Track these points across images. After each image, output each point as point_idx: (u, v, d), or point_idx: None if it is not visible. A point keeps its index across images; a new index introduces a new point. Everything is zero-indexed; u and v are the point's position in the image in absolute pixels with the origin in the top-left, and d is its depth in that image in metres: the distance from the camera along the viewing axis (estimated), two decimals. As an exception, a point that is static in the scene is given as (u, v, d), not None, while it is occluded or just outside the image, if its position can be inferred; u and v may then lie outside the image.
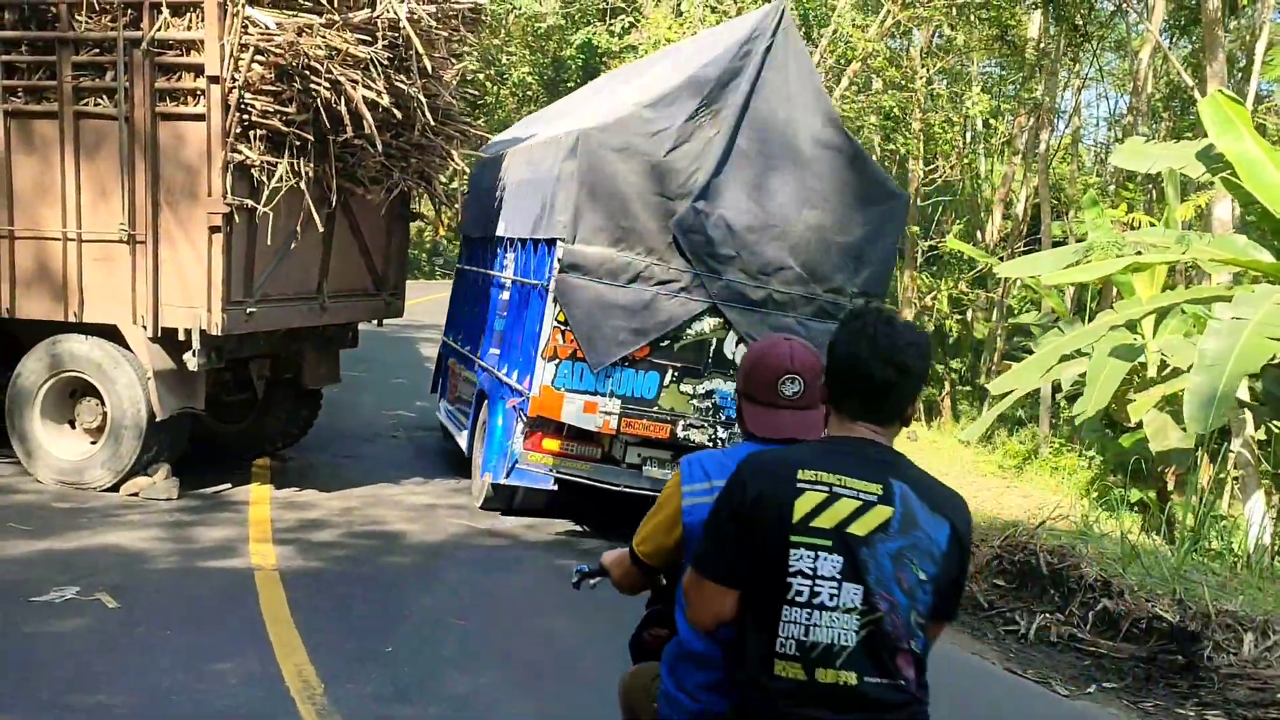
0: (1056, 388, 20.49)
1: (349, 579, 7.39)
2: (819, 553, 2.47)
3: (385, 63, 8.42)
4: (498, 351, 9.85)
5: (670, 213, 8.32)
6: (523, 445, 8.62)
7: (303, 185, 8.39)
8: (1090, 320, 17.22)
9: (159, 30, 8.14)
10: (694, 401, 8.54)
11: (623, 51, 22.35)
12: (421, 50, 8.63)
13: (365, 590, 7.19)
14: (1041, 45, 27.64)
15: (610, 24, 23.21)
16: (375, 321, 10.97)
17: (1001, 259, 23.84)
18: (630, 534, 3.19)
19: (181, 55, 8.21)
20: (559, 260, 8.29)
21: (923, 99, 26.15)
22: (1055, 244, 22.67)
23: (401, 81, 8.70)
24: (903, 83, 24.85)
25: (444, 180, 10.52)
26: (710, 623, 2.66)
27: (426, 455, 11.94)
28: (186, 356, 8.49)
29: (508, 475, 8.93)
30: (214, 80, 8.07)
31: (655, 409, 8.48)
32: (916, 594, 2.50)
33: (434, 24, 8.98)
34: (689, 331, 8.47)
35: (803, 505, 2.49)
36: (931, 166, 28.51)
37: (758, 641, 2.52)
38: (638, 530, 3.14)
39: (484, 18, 10.16)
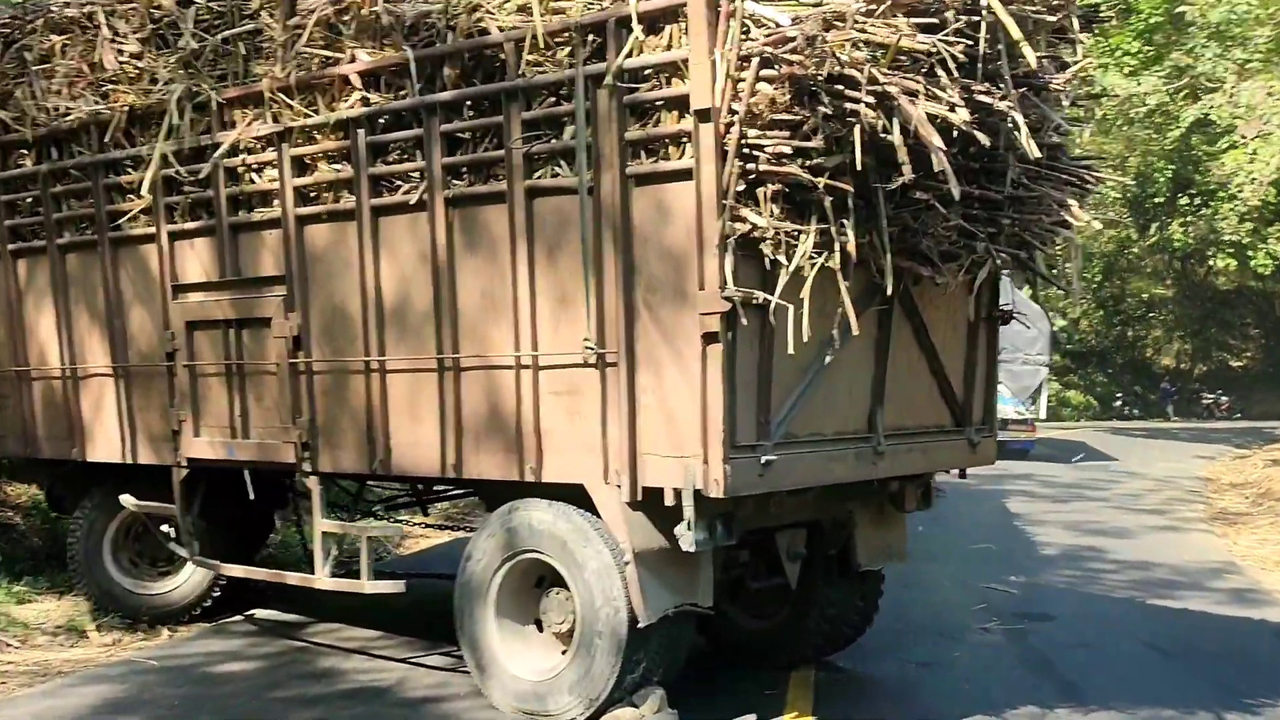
0: None
1: None
2: None
3: (961, 60, 5.32)
4: None
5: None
6: None
7: (836, 264, 5.43)
8: None
9: (629, 55, 5.62)
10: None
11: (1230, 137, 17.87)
12: (1019, 35, 5.43)
13: None
14: None
15: (1233, 91, 18.50)
16: (957, 472, 7.66)
17: None
18: None
19: (659, 88, 5.63)
20: None
21: None
22: None
23: (986, 95, 5.56)
24: None
25: (1055, 251, 7.10)
26: None
27: (1033, 659, 8.30)
28: (679, 530, 5.68)
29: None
30: (703, 117, 5.39)
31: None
32: None
33: (1033, 6, 5.79)
34: None
35: None
36: None
37: None
38: None
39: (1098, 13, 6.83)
